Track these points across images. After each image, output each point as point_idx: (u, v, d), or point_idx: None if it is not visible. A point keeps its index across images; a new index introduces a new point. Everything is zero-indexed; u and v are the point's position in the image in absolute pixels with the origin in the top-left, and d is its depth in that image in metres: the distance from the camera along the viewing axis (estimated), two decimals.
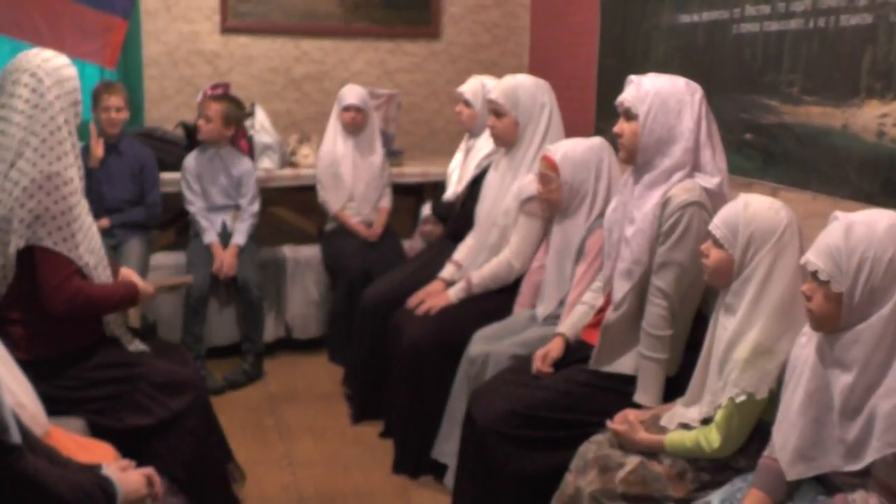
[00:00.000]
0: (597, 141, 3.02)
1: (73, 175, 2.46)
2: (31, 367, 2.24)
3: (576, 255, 2.96)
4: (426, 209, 4.27)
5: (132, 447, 2.33)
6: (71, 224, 2.44)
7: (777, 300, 2.07)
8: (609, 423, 2.28)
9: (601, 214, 2.91)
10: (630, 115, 2.47)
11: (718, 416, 2.09)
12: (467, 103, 3.86)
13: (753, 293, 2.09)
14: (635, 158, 2.49)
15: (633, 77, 2.51)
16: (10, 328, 2.46)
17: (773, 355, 2.04)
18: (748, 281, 2.10)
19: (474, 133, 3.86)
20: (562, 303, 2.95)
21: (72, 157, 2.47)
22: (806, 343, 1.92)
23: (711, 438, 2.10)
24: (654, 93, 2.44)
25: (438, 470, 3.18)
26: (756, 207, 2.12)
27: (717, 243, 2.15)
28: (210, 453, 2.75)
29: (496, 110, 3.30)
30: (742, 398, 2.04)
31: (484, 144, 3.70)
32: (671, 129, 2.42)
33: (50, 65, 2.47)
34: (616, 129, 2.52)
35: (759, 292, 2.08)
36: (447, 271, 3.50)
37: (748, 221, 2.10)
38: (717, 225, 2.16)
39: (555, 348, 2.71)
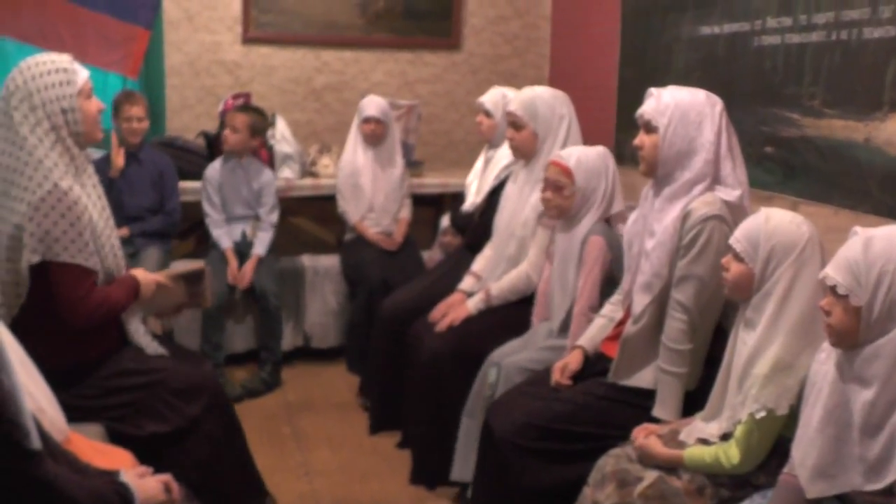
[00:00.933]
0: (601, 149, 3.03)
1: (71, 182, 2.42)
2: (50, 376, 2.25)
3: (578, 262, 2.95)
4: (445, 220, 4.27)
5: (150, 453, 2.35)
6: (83, 233, 2.42)
7: (797, 315, 2.05)
8: (634, 432, 2.27)
9: (598, 220, 2.92)
10: (650, 128, 2.46)
11: (738, 431, 2.07)
12: (487, 113, 3.86)
13: (774, 308, 2.07)
14: (656, 171, 2.48)
15: (652, 90, 2.51)
16: (28, 339, 2.47)
17: (793, 371, 2.02)
18: (768, 295, 2.08)
19: (494, 144, 3.86)
20: (569, 312, 2.94)
21: (63, 165, 2.42)
22: (825, 359, 1.90)
23: (731, 454, 2.08)
24: (675, 105, 2.43)
25: (455, 482, 3.17)
26: (777, 221, 2.11)
27: (738, 257, 2.13)
28: (228, 457, 2.74)
29: (515, 122, 3.31)
30: (762, 414, 2.02)
31: (503, 155, 3.70)
32: (691, 142, 2.41)
33: (30, 73, 2.41)
34: (636, 141, 2.52)
35: (780, 307, 2.07)
36: (466, 283, 3.49)
37: (769, 235, 2.09)
38: (737, 238, 2.14)
39: (573, 361, 2.70)
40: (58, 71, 2.43)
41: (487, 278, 3.40)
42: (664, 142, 2.42)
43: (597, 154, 2.99)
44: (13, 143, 2.40)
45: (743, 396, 2.07)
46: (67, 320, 2.45)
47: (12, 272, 2.41)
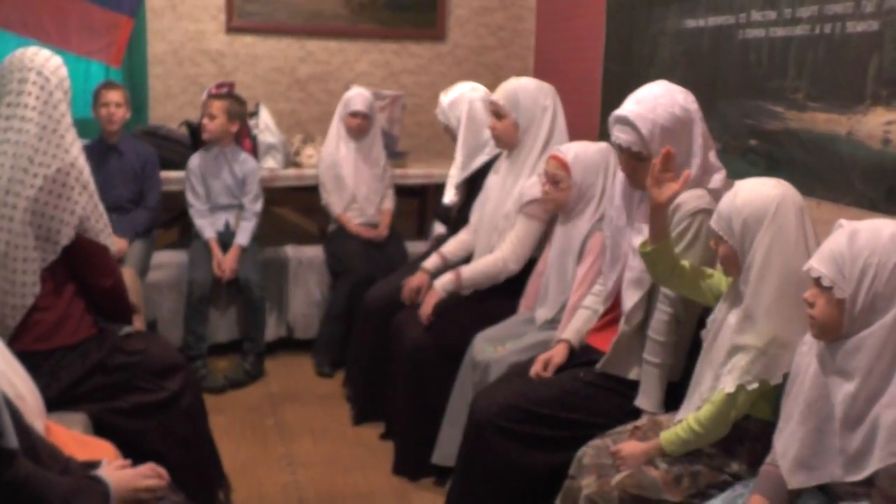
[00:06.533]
0: (603, 145, 3.02)
1: (84, 162, 2.55)
2: (32, 360, 2.26)
3: (577, 256, 2.96)
4: (438, 227, 4.24)
5: (133, 442, 2.36)
6: (98, 205, 2.56)
7: (779, 278, 2.04)
8: (611, 449, 2.26)
9: (602, 217, 2.91)
10: (641, 158, 2.40)
11: (718, 396, 2.07)
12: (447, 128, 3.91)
13: (756, 276, 2.06)
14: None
15: (628, 115, 2.38)
16: (36, 316, 2.49)
17: (787, 348, 2.01)
18: (751, 267, 2.08)
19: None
20: (563, 307, 2.95)
21: (78, 145, 2.55)
22: (807, 351, 1.91)
23: (702, 417, 2.09)
24: (661, 129, 2.36)
25: (438, 472, 3.18)
26: (745, 194, 2.10)
27: (720, 238, 2.14)
28: (203, 435, 2.83)
29: (496, 111, 3.30)
30: (754, 385, 2.02)
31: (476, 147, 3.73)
32: (687, 152, 2.40)
33: (51, 64, 2.55)
34: (624, 169, 2.47)
35: (761, 273, 2.05)
36: (431, 262, 3.49)
37: (740, 210, 2.08)
38: (715, 219, 2.15)
39: (558, 354, 2.70)
40: (64, 65, 2.62)
41: (458, 263, 3.39)
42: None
43: (597, 150, 2.99)
44: (52, 119, 2.49)
45: (730, 366, 2.07)
46: (100, 281, 2.61)
47: (36, 248, 2.45)
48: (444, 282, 3.27)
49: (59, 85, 2.53)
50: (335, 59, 5.31)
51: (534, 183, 3.17)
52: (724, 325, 2.15)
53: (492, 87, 3.56)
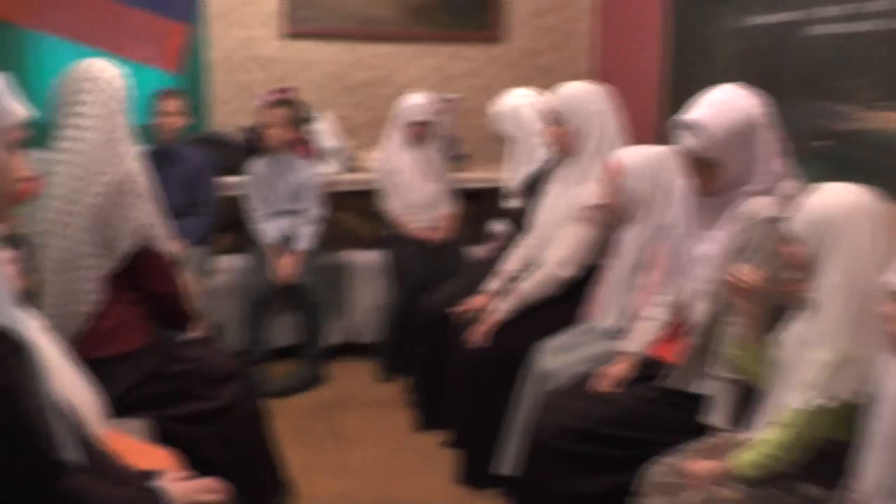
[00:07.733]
0: (660, 150, 2.95)
1: (141, 171, 2.58)
2: (91, 367, 2.28)
3: (640, 265, 2.90)
4: (497, 225, 4.20)
5: (190, 449, 2.36)
6: (157, 213, 2.60)
7: (852, 289, 1.95)
8: (681, 468, 2.20)
9: (664, 224, 2.85)
10: (710, 164, 2.36)
11: (790, 418, 1.99)
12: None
13: (827, 286, 1.98)
14: (715, 193, 2.40)
15: (691, 120, 2.35)
16: (93, 324, 2.52)
17: (861, 363, 1.93)
18: (821, 275, 2.00)
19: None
20: (627, 316, 2.88)
21: (135, 154, 2.59)
22: (894, 370, 1.82)
23: (777, 438, 2.00)
24: (725, 134, 2.30)
25: (499, 482, 3.13)
26: (823, 197, 2.03)
27: (792, 238, 2.06)
28: (261, 442, 2.82)
29: (551, 118, 3.25)
30: (833, 404, 1.93)
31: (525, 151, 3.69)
32: (752, 159, 2.34)
33: (109, 75, 2.59)
34: (687, 174, 2.42)
35: (833, 284, 1.97)
36: (494, 285, 3.41)
37: (813, 212, 2.01)
38: (789, 221, 2.08)
39: (620, 368, 2.63)
40: (122, 76, 2.64)
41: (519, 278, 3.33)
42: (727, 170, 2.33)
43: (651, 155, 2.92)
44: (110, 128, 2.53)
45: (801, 382, 1.99)
46: (160, 286, 2.64)
47: (96, 256, 2.49)
48: (508, 304, 3.21)
49: (116, 95, 2.57)
50: (387, 63, 5.30)
51: (590, 188, 3.12)
52: (796, 341, 2.07)
53: (545, 90, 3.52)
